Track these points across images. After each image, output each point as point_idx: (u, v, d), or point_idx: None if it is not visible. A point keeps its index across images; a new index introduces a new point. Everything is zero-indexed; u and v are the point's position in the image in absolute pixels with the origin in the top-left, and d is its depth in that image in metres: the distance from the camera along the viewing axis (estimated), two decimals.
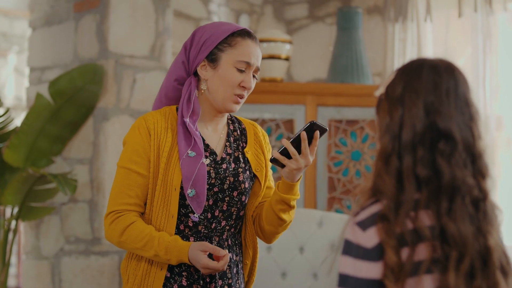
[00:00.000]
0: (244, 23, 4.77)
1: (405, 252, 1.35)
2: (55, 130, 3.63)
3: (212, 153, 2.05)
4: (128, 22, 3.66)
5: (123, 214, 1.98)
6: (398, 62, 4.13)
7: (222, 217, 2.04)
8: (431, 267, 1.35)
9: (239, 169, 2.07)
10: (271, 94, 3.64)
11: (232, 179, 2.04)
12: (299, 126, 3.60)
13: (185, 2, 4.34)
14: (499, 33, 3.93)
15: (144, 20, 3.73)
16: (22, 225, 4.58)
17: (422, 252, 1.35)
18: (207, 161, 2.01)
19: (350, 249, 1.38)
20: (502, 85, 3.92)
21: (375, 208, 1.39)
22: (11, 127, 3.78)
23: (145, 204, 2.03)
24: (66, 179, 3.44)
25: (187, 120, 1.99)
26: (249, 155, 2.10)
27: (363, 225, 1.38)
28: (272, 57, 3.72)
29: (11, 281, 5.64)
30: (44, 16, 3.95)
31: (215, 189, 2.02)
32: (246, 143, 2.13)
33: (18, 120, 4.61)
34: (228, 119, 2.15)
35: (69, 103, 3.59)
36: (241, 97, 2.03)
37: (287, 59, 3.77)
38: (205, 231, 2.02)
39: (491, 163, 1.45)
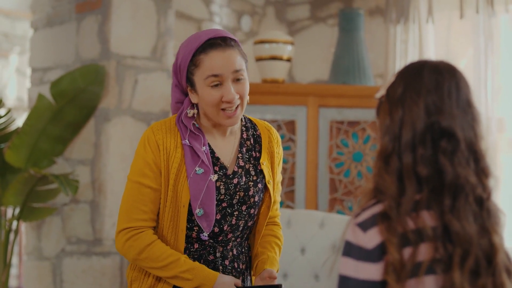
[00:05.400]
0: (245, 24, 4.77)
1: (407, 252, 1.35)
2: (56, 131, 3.63)
3: (222, 167, 2.00)
4: (129, 23, 3.66)
5: (141, 231, 1.95)
6: (400, 63, 4.13)
7: (229, 230, 2.02)
8: (433, 267, 1.35)
9: (249, 183, 2.03)
10: (272, 95, 3.64)
11: (242, 193, 2.01)
12: (301, 127, 3.60)
13: (186, 3, 4.34)
14: (500, 34, 3.93)
15: (146, 21, 3.73)
16: (23, 226, 4.58)
17: (424, 252, 1.36)
18: (215, 177, 1.97)
19: (351, 250, 1.39)
20: (503, 86, 3.92)
21: (376, 209, 1.39)
22: (12, 127, 3.78)
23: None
24: (67, 180, 3.44)
25: (186, 141, 1.96)
26: (264, 167, 2.05)
27: (364, 226, 1.38)
28: (274, 58, 3.72)
29: (12, 282, 5.64)
30: (46, 17, 3.95)
31: (224, 204, 1.99)
32: (260, 152, 2.08)
33: (19, 121, 4.61)
34: (242, 125, 2.09)
35: (71, 104, 3.59)
36: (232, 109, 1.93)
37: (288, 60, 3.77)
38: (211, 241, 2.01)
39: (493, 164, 1.46)
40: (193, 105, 2.01)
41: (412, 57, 4.10)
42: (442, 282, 1.35)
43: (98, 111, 3.64)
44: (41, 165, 3.64)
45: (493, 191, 1.42)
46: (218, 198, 1.97)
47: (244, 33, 4.78)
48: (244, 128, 2.09)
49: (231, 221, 2.01)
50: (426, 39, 4.09)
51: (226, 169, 2.00)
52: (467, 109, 1.42)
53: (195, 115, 2.01)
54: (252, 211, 2.05)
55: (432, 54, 4.07)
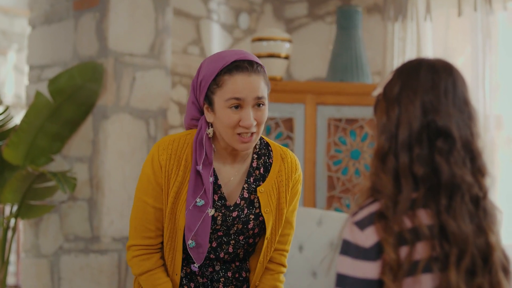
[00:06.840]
0: (243, 21, 4.77)
1: (403, 251, 1.35)
2: (54, 128, 3.63)
3: (222, 197, 1.95)
4: (127, 20, 3.66)
5: (149, 253, 1.98)
6: (398, 61, 4.13)
7: (228, 258, 2.01)
8: (430, 265, 1.35)
9: (250, 216, 1.96)
10: (270, 93, 3.60)
11: (240, 226, 1.97)
12: (299, 125, 3.60)
13: (184, 1, 4.34)
14: (498, 32, 3.94)
15: (144, 18, 3.73)
16: (21, 223, 4.58)
17: (421, 251, 1.36)
18: (213, 211, 1.92)
19: (349, 249, 1.39)
20: (501, 84, 3.92)
21: (373, 208, 1.39)
22: (10, 125, 3.78)
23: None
24: (65, 177, 3.44)
25: (200, 167, 1.90)
26: (261, 195, 1.96)
27: (361, 224, 1.38)
28: (271, 55, 3.72)
29: (10, 279, 5.64)
30: (44, 14, 3.94)
31: (220, 233, 1.97)
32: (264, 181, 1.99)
33: (17, 118, 4.60)
34: (254, 152, 2.00)
35: (69, 101, 3.59)
36: (248, 134, 1.86)
37: (286, 57, 3.77)
38: (209, 258, 2.01)
39: (491, 162, 1.46)
40: (209, 125, 1.95)
41: (410, 54, 4.10)
42: (438, 281, 1.35)
43: (96, 109, 3.64)
44: (38, 163, 3.64)
45: (490, 189, 1.42)
46: (213, 228, 1.95)
47: (242, 30, 4.78)
48: (256, 156, 2.01)
49: (228, 249, 1.99)
50: (424, 37, 4.09)
51: (226, 200, 1.96)
52: (464, 107, 1.42)
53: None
54: (250, 241, 2.01)
55: (430, 51, 4.07)
